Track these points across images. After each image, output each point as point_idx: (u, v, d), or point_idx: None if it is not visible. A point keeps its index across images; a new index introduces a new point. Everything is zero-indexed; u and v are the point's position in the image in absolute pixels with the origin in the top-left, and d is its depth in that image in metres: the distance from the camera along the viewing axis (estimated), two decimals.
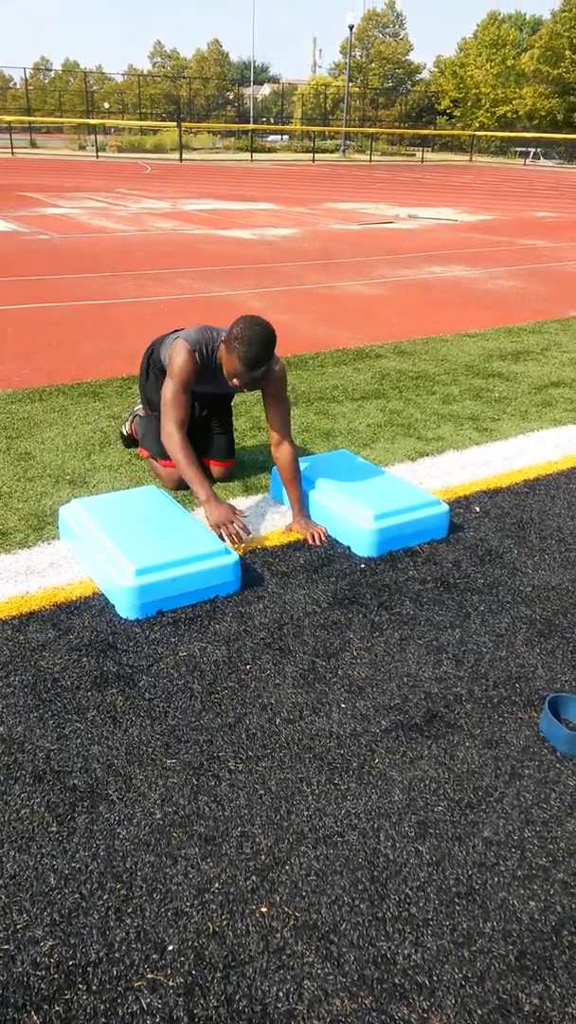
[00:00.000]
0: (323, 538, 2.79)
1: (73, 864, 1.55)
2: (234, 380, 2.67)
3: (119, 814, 1.66)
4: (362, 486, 2.88)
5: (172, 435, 2.72)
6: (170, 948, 1.40)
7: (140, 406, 3.49)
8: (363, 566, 2.65)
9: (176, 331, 3.05)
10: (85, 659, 2.14)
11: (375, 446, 3.66)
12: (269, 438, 2.88)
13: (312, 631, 2.30)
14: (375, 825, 1.66)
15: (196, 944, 1.41)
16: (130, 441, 3.50)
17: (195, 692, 2.03)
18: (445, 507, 2.85)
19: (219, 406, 3.22)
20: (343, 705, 2.01)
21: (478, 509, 3.10)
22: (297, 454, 2.88)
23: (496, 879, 1.56)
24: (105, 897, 1.49)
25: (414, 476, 3.34)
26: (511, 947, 1.43)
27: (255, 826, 1.65)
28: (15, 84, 60.35)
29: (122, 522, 2.54)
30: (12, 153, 29.81)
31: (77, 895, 1.49)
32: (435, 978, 1.37)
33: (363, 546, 2.71)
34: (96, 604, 2.39)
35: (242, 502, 3.06)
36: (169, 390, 2.74)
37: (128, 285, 7.06)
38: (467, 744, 1.90)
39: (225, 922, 1.45)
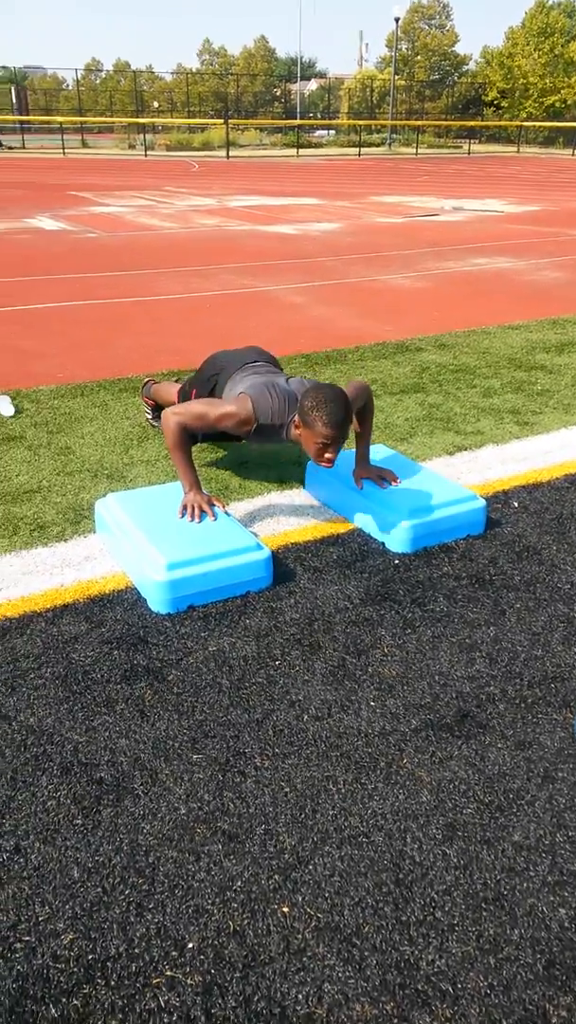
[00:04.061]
0: (393, 479, 2.81)
1: (97, 858, 1.55)
2: (326, 455, 2.44)
3: (144, 808, 1.66)
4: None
5: (178, 429, 2.57)
6: (190, 946, 1.39)
7: (148, 381, 3.67)
8: (397, 562, 2.61)
9: (247, 367, 2.82)
10: (116, 652, 2.15)
11: (413, 440, 3.61)
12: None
13: (343, 628, 2.27)
14: (402, 826, 1.63)
15: (216, 942, 1.40)
16: (157, 410, 3.54)
17: (223, 687, 2.02)
18: (482, 502, 2.79)
19: None
20: (372, 703, 1.97)
21: (516, 504, 3.02)
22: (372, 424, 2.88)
23: (525, 885, 1.51)
24: (127, 892, 1.49)
25: (452, 471, 3.28)
26: (539, 956, 1.39)
27: (279, 824, 1.63)
28: (68, 85, 61.24)
29: (155, 516, 2.54)
30: (64, 153, 30.26)
31: (99, 889, 1.49)
32: (459, 985, 1.34)
33: (397, 542, 2.66)
34: (128, 598, 2.39)
35: (276, 496, 3.04)
36: (206, 415, 2.57)
37: (171, 281, 7.09)
38: (499, 745, 1.85)
39: (246, 921, 1.44)
